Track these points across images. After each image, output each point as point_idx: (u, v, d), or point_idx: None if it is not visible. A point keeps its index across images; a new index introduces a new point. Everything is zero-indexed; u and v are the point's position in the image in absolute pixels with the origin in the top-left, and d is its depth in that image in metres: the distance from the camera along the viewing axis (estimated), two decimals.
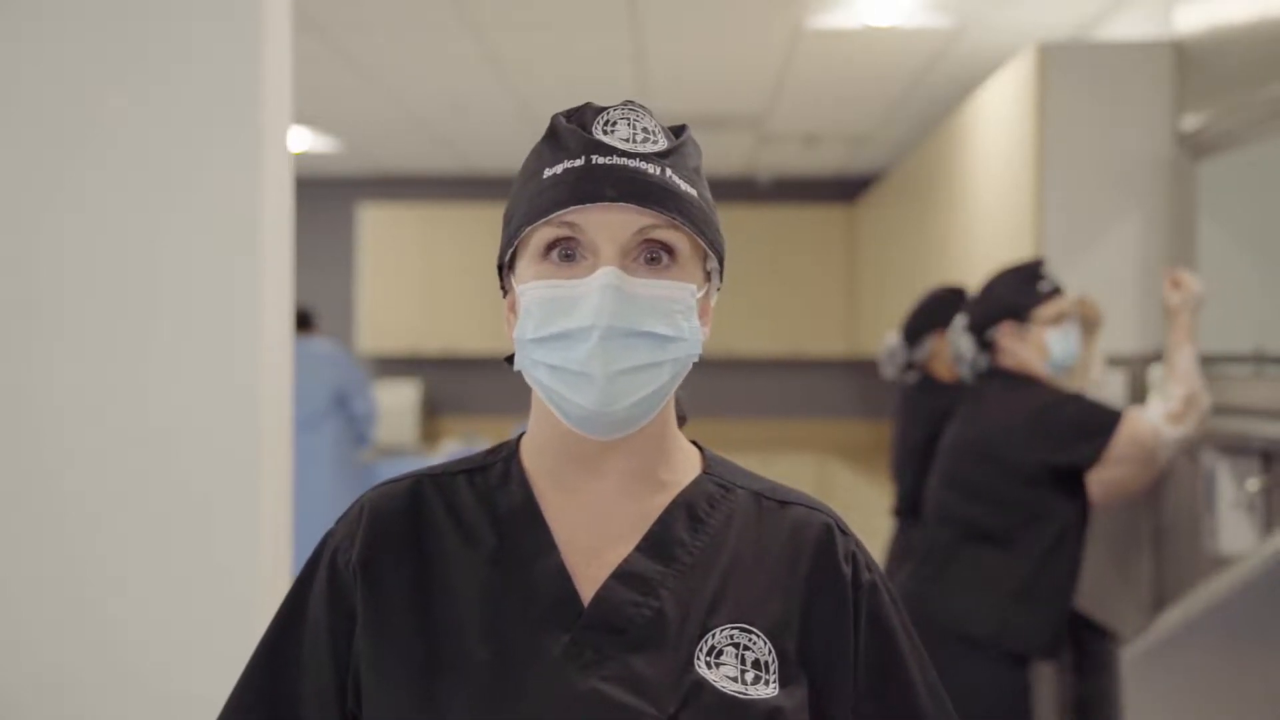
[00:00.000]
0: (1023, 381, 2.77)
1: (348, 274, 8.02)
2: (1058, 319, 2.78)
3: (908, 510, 3.61)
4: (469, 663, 1.04)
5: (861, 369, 7.72)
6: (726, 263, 1.13)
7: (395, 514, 1.11)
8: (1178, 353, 2.67)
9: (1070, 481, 2.69)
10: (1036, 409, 2.70)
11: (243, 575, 2.42)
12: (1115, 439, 2.60)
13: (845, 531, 1.13)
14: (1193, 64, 3.38)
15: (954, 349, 3.02)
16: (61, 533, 2.41)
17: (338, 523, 1.14)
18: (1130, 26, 4.19)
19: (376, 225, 7.74)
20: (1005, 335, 2.79)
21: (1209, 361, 3.16)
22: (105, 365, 2.41)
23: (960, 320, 2.98)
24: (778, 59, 4.84)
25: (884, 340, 3.91)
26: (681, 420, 1.21)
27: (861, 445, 7.89)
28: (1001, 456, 2.70)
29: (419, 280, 7.74)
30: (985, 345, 2.84)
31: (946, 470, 2.84)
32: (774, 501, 1.13)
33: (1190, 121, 3.36)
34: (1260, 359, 2.93)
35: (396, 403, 7.69)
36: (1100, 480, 2.67)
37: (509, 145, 6.88)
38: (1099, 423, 2.64)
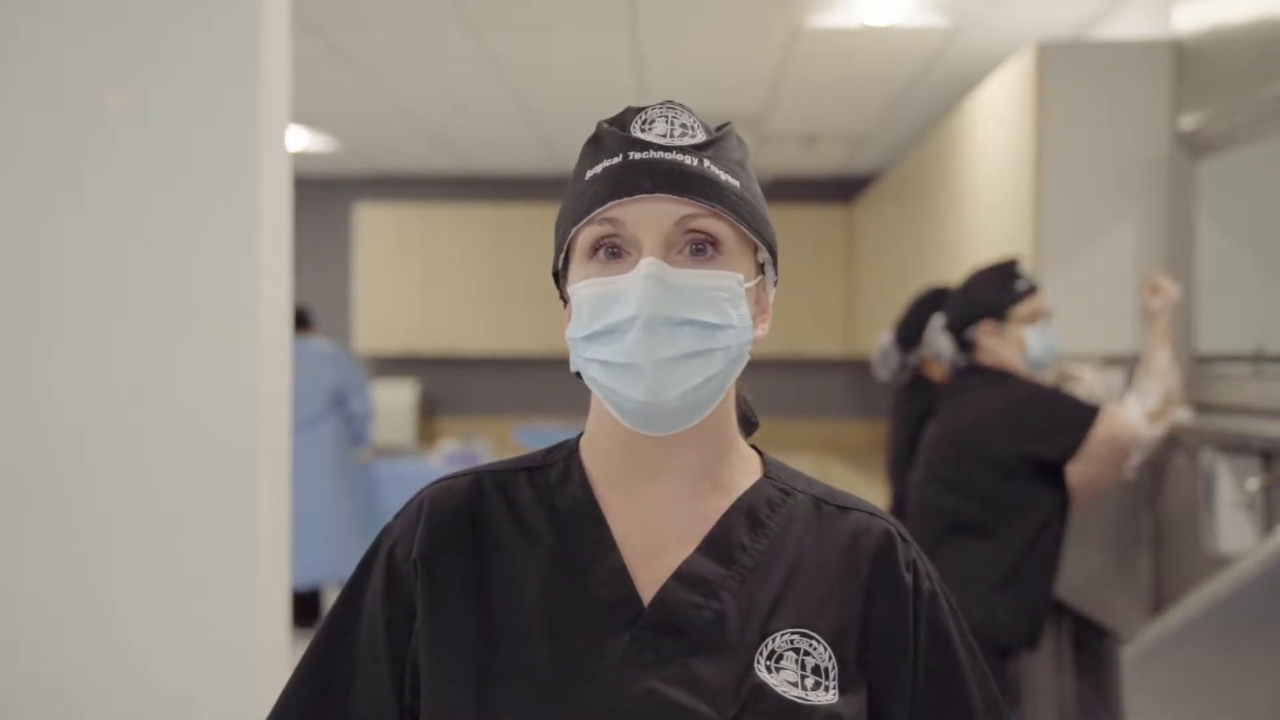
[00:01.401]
0: (1001, 376, 2.82)
1: (345, 273, 8.01)
2: (1034, 317, 2.82)
3: (904, 509, 3.62)
4: (528, 661, 1.03)
5: (860, 369, 7.72)
6: None
7: (455, 510, 1.11)
8: (1156, 354, 2.74)
9: (1050, 474, 2.74)
10: (1015, 402, 2.75)
11: (241, 574, 2.41)
12: (1093, 434, 2.66)
13: (906, 539, 1.12)
14: (1191, 63, 3.38)
15: (933, 348, 3.07)
16: (59, 532, 2.41)
17: (395, 518, 1.14)
18: (1129, 26, 4.19)
19: (374, 225, 7.73)
20: (984, 334, 2.84)
21: (1208, 361, 3.16)
22: (104, 365, 2.40)
23: (938, 320, 3.03)
24: (776, 58, 4.83)
25: (878, 341, 3.92)
26: (753, 427, 1.20)
27: (860, 445, 7.89)
28: (981, 450, 2.74)
29: (416, 280, 7.73)
30: (964, 344, 2.88)
31: (928, 465, 2.89)
32: (834, 507, 1.12)
33: (1189, 121, 3.36)
34: (1260, 358, 2.93)
35: (394, 402, 7.69)
36: (1075, 475, 2.72)
37: (507, 145, 6.87)
38: (1077, 417, 2.69)
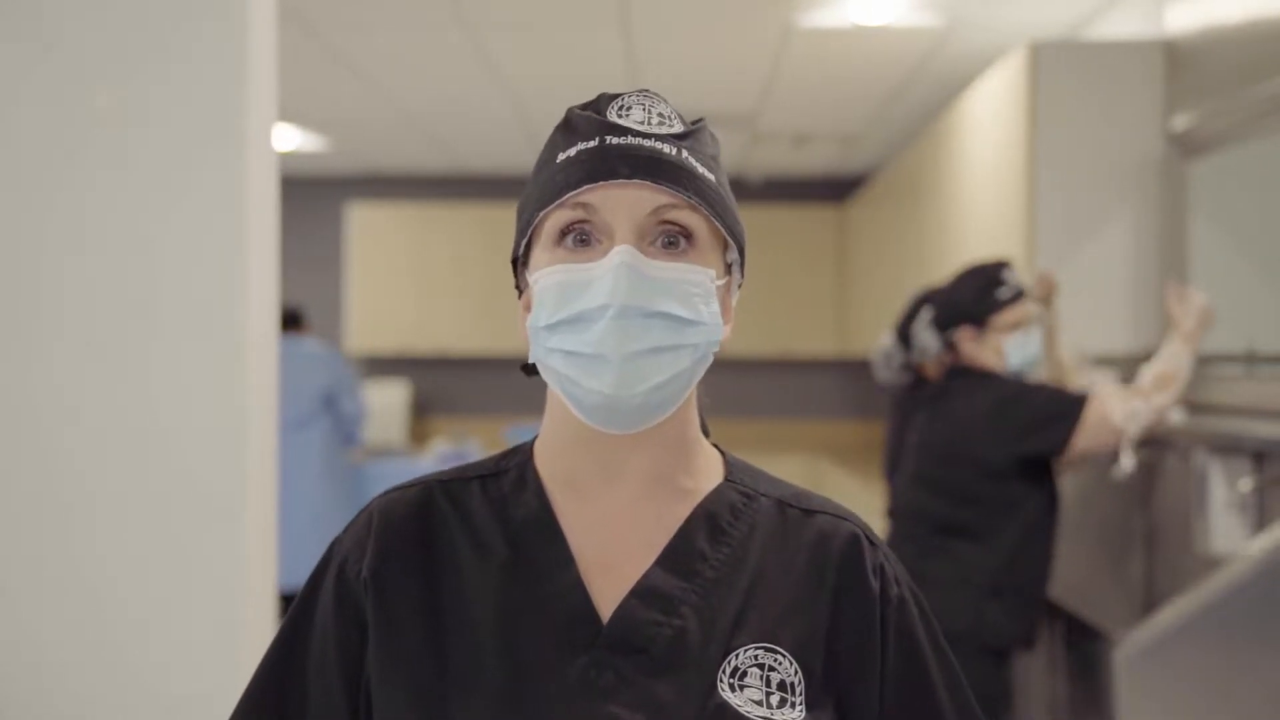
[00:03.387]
0: (985, 377, 2.80)
1: (337, 273, 8.00)
2: (1017, 325, 2.80)
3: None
4: (482, 684, 0.99)
5: (852, 369, 7.72)
6: None
7: (406, 523, 1.06)
8: (1167, 345, 2.71)
9: (1038, 471, 2.74)
10: (1000, 402, 2.73)
11: (228, 575, 2.40)
12: (1082, 423, 2.64)
13: (874, 542, 1.07)
14: (1183, 63, 3.38)
15: (918, 342, 3.06)
16: (45, 532, 2.39)
17: (345, 531, 1.09)
18: (1121, 25, 4.19)
19: (365, 224, 7.72)
20: (964, 339, 2.82)
21: (1201, 361, 3.15)
22: (88, 365, 2.39)
23: (925, 313, 3.02)
24: (768, 58, 4.83)
25: (879, 343, 3.91)
26: (704, 433, 1.14)
27: (852, 445, 7.89)
28: (968, 453, 2.73)
29: (408, 280, 7.72)
30: (947, 344, 2.87)
31: (915, 469, 2.88)
32: (799, 510, 1.08)
33: (1181, 121, 3.36)
34: (1252, 359, 2.93)
35: (385, 403, 7.67)
36: (1069, 461, 2.71)
37: (499, 144, 6.86)
38: (1064, 409, 2.67)
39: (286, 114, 5.81)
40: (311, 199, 7.85)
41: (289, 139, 6.59)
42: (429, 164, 7.65)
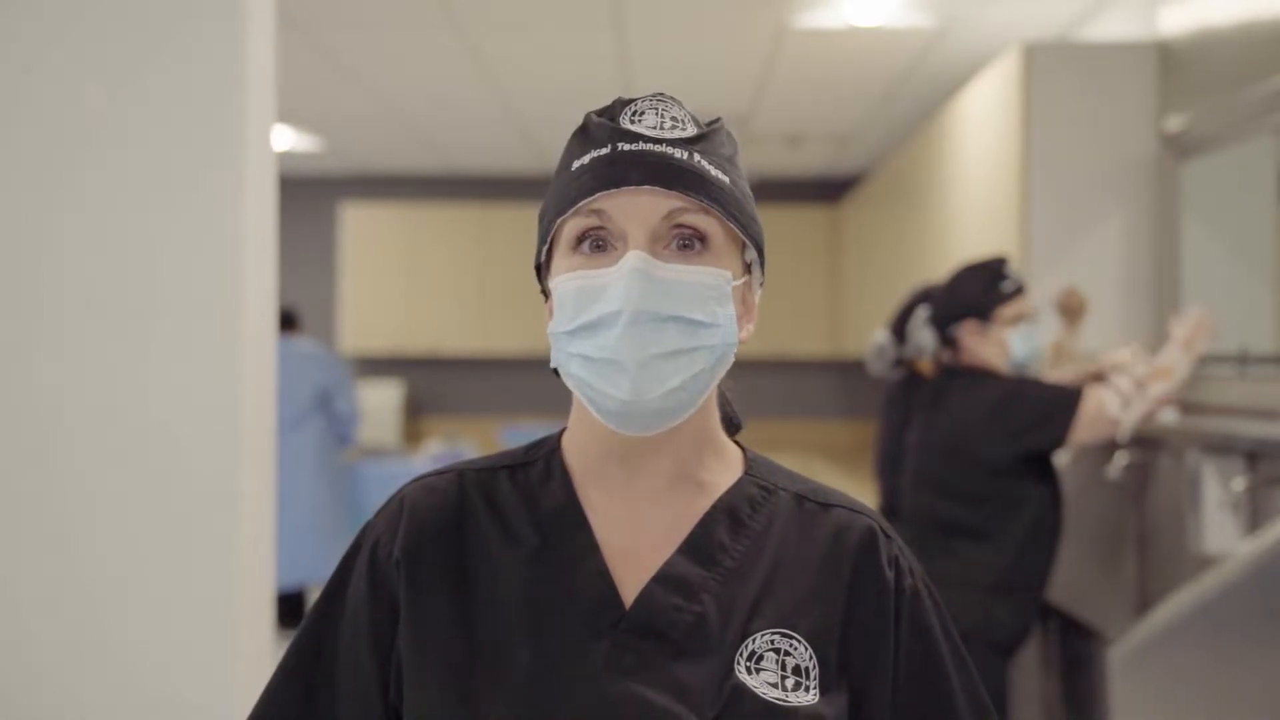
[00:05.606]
0: (983, 376, 2.81)
1: (330, 273, 7.99)
2: (1019, 318, 2.82)
3: (894, 509, 3.62)
4: (509, 665, 1.03)
5: (845, 369, 7.72)
6: None
7: (437, 508, 1.10)
8: (1167, 344, 2.74)
9: (1039, 467, 2.75)
10: (998, 400, 2.75)
11: (225, 575, 2.40)
12: (1079, 415, 2.66)
13: (889, 535, 1.11)
14: (1176, 64, 3.39)
15: (915, 341, 3.06)
16: (39, 531, 2.39)
17: (376, 515, 1.12)
18: (1114, 27, 4.20)
19: (359, 224, 7.71)
20: (967, 334, 2.83)
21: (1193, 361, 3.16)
22: (87, 365, 2.39)
23: (923, 312, 3.02)
24: (761, 59, 4.83)
25: (873, 337, 3.92)
26: (737, 428, 1.18)
27: (845, 445, 7.90)
28: (969, 452, 2.74)
29: (402, 280, 7.72)
30: (947, 340, 2.88)
31: (917, 470, 2.89)
32: (816, 504, 1.11)
33: (1174, 122, 3.37)
34: (1244, 359, 2.94)
35: (379, 403, 7.67)
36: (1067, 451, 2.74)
37: (492, 145, 6.86)
38: (1061, 402, 2.69)
39: (280, 114, 5.80)
40: (305, 199, 7.85)
41: (283, 139, 6.59)
42: (422, 164, 7.65)
